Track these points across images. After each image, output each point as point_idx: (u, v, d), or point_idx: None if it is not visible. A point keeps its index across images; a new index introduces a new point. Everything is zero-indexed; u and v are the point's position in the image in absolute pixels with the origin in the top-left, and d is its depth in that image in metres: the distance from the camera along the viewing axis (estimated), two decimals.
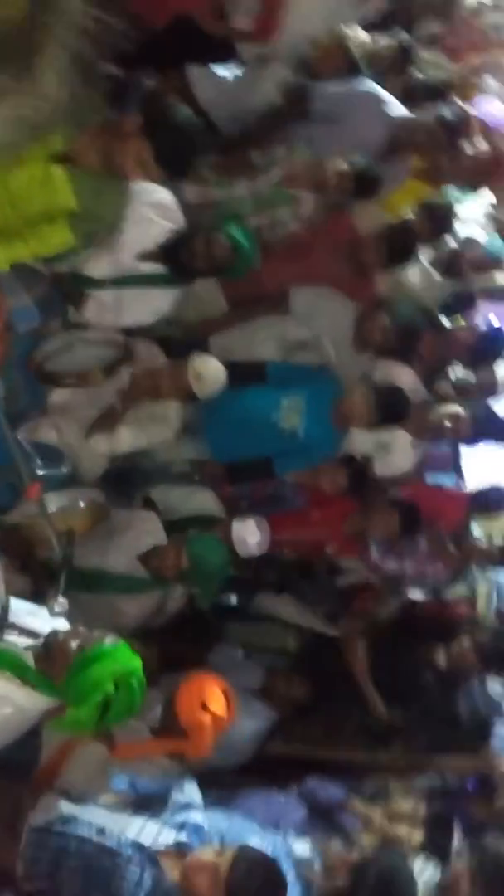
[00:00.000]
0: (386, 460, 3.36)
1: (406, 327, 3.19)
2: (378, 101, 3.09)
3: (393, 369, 3.31)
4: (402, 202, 3.33)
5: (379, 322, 3.16)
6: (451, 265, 3.60)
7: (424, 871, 2.62)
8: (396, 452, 3.36)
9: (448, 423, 3.32)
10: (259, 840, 2.49)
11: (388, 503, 3.34)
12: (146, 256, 2.71)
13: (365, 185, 2.98)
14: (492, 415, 3.58)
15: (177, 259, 2.70)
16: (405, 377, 3.31)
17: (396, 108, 3.11)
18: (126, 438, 2.93)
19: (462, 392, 3.53)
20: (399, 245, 3.12)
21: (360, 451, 3.28)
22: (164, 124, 2.37)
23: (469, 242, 3.74)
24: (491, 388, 3.59)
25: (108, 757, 2.46)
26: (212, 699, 2.55)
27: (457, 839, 2.78)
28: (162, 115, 2.39)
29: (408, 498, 3.43)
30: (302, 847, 2.62)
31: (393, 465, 3.39)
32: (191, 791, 2.50)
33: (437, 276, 3.58)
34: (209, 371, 2.83)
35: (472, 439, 3.58)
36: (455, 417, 3.32)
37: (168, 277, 2.76)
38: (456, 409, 3.34)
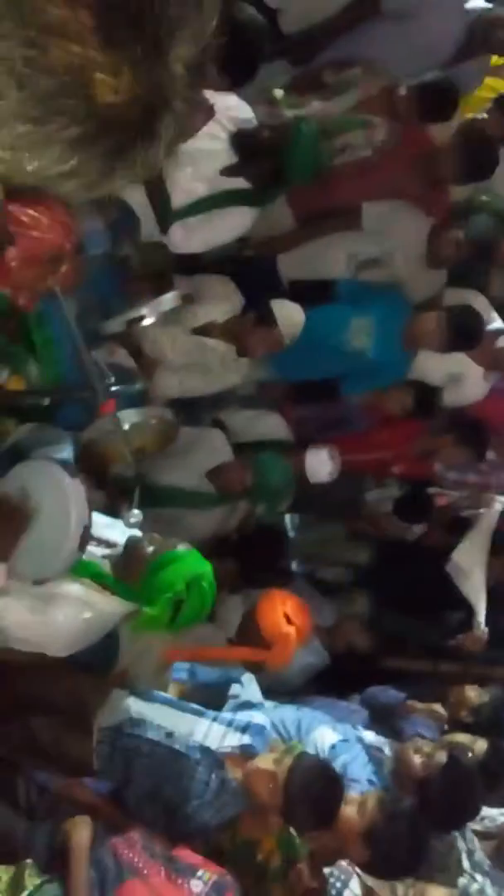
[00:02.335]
0: (457, 391, 3.29)
1: (480, 240, 3.06)
2: None
3: (466, 295, 3.20)
4: (480, 102, 3.14)
5: (452, 235, 3.05)
6: None
7: None
8: (468, 385, 3.28)
9: None
10: (330, 728, 2.60)
11: (457, 435, 3.28)
12: (230, 170, 2.65)
13: (441, 107, 2.82)
14: None
15: (248, 154, 2.61)
16: (479, 304, 3.19)
17: (475, 2, 2.92)
18: (198, 386, 2.98)
19: None
20: (478, 158, 2.92)
21: (431, 382, 3.21)
22: (228, 25, 2.29)
23: None
24: None
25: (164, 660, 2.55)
26: (295, 612, 2.63)
27: None
28: (225, 15, 2.31)
29: (474, 411, 3.35)
30: (371, 734, 2.72)
31: (463, 397, 3.33)
32: (250, 687, 2.57)
33: None
34: (294, 323, 2.82)
35: None
36: None
37: (251, 194, 2.69)
38: None
